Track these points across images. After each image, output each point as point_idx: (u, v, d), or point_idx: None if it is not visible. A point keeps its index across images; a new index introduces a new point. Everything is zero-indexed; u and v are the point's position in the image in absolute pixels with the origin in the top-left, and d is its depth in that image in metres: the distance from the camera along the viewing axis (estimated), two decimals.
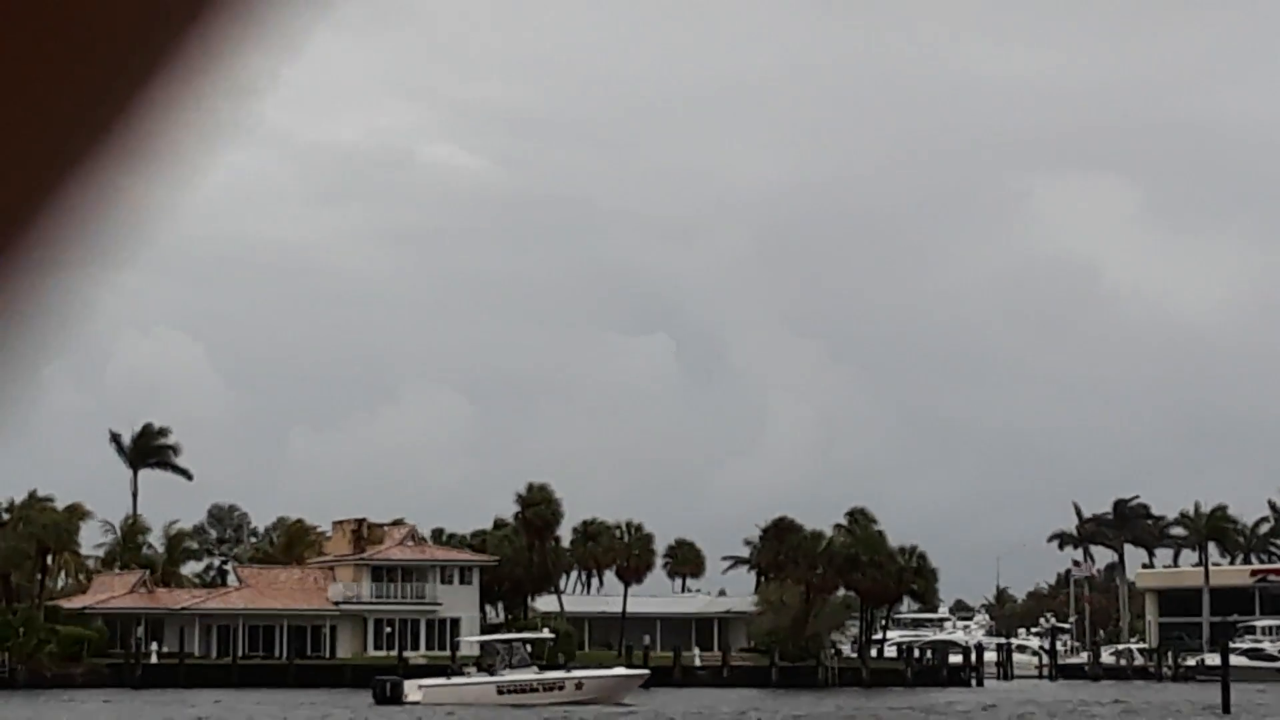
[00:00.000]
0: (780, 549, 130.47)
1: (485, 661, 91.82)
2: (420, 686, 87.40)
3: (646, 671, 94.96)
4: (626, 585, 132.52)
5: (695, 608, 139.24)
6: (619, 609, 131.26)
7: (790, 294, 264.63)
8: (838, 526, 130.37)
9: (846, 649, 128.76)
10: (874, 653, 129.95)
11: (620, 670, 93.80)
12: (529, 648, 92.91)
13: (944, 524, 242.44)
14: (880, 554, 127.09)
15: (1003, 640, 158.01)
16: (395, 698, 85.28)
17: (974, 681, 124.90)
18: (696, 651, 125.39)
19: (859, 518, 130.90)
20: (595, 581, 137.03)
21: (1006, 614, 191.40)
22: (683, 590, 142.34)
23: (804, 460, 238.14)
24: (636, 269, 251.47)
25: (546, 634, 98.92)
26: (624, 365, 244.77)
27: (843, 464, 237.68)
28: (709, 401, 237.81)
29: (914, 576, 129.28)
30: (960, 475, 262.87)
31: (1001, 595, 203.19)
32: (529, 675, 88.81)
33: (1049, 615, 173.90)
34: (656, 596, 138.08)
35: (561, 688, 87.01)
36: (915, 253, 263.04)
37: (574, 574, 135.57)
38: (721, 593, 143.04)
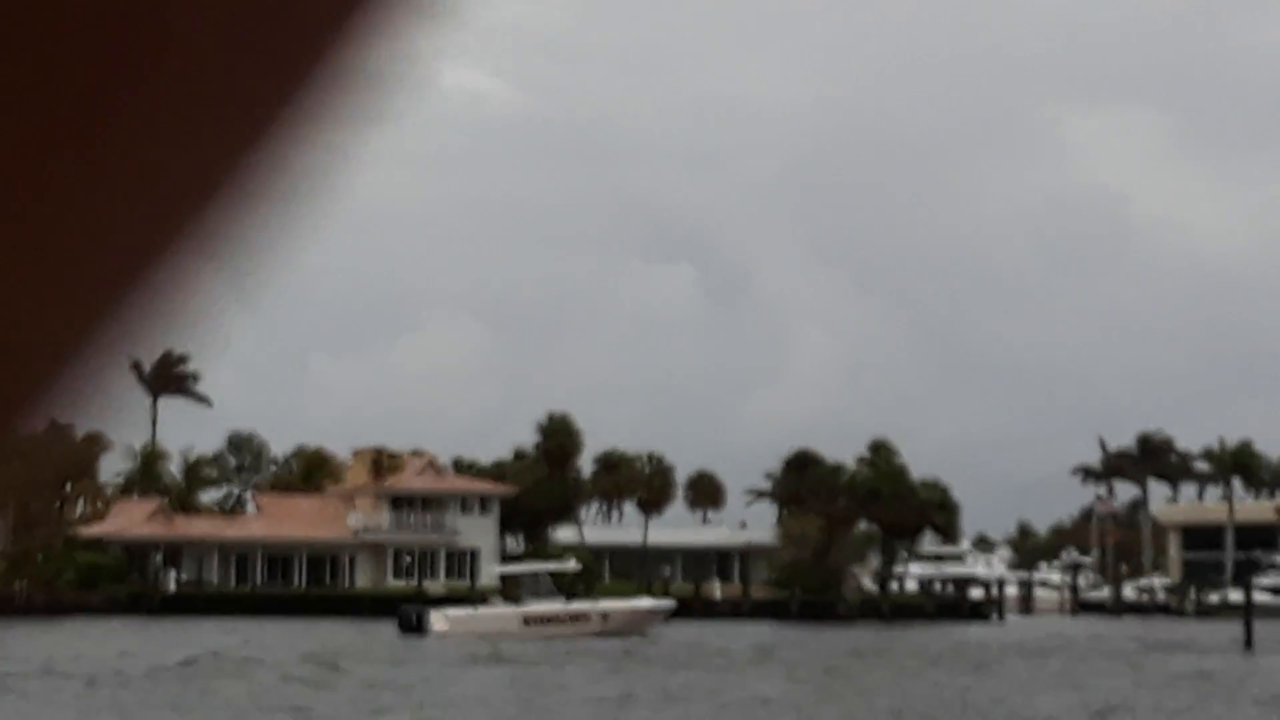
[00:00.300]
0: (801, 481, 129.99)
1: (511, 592, 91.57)
2: (446, 616, 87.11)
3: (672, 603, 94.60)
4: (647, 516, 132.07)
5: (716, 540, 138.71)
6: (639, 540, 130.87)
7: (817, 222, 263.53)
8: (859, 459, 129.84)
9: (867, 582, 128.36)
10: (895, 586, 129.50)
11: (646, 602, 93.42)
12: (554, 579, 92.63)
13: (967, 457, 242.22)
14: (902, 487, 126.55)
15: (1024, 575, 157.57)
16: (421, 627, 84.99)
17: (995, 616, 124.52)
18: (717, 584, 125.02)
19: (881, 450, 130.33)
20: (615, 513, 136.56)
21: (1028, 548, 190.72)
22: (704, 522, 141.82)
23: (829, 391, 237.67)
24: (661, 196, 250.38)
25: (573, 564, 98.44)
26: (647, 294, 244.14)
27: (868, 395, 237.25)
28: (733, 331, 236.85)
29: (936, 510, 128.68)
30: (985, 407, 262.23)
31: (1024, 529, 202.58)
32: (555, 606, 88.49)
33: (1071, 550, 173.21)
34: (677, 528, 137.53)
35: (587, 619, 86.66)
36: (945, 181, 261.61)
37: (594, 505, 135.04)
38: (743, 525, 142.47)
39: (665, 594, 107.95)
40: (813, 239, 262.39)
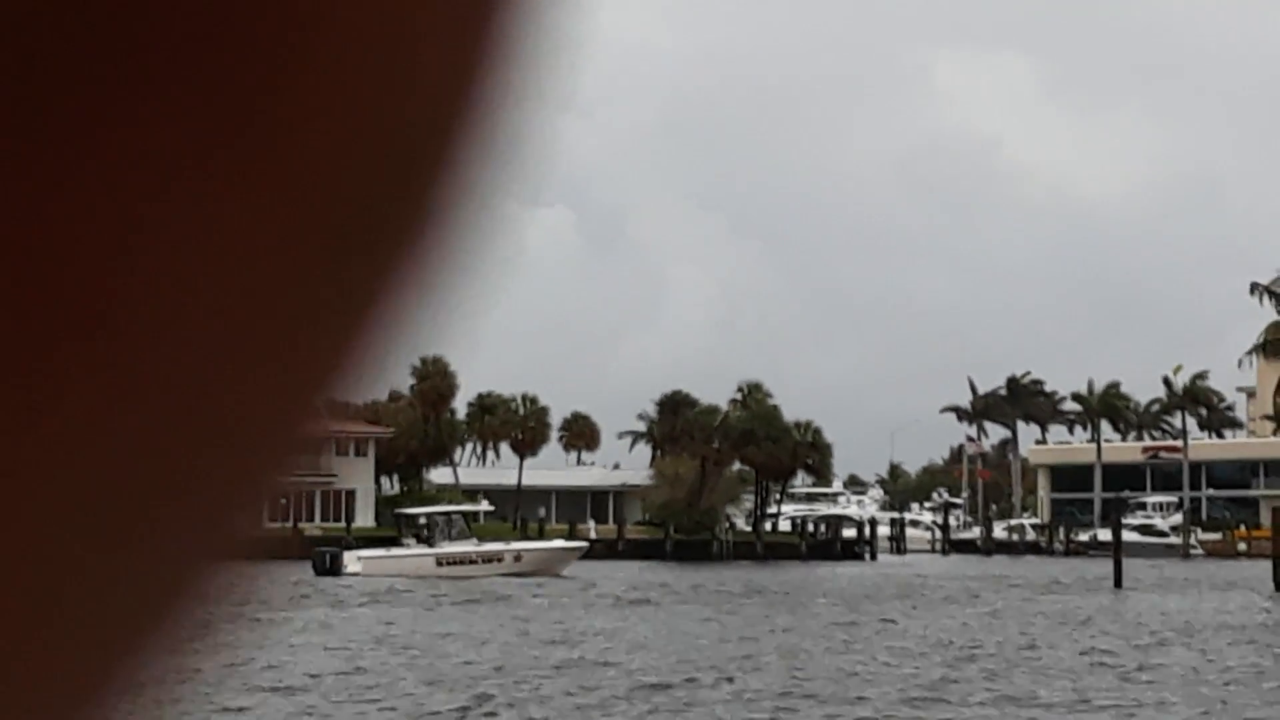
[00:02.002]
0: (676, 423, 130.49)
1: (424, 533, 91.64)
2: (359, 558, 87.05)
3: (585, 544, 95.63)
4: (522, 458, 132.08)
5: (590, 481, 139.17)
6: (514, 482, 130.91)
7: (692, 168, 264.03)
8: (732, 401, 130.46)
9: (741, 523, 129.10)
10: (768, 527, 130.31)
11: (559, 543, 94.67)
12: (467, 520, 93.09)
13: (841, 398, 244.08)
14: (775, 428, 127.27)
15: (896, 515, 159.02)
16: (335, 569, 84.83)
17: (867, 555, 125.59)
18: (591, 524, 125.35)
19: (754, 392, 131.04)
20: (491, 454, 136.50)
21: (900, 489, 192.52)
22: (578, 464, 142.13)
23: (704, 335, 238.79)
24: (536, 139, 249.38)
25: (485, 506, 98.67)
26: (522, 237, 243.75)
27: (742, 338, 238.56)
28: (609, 275, 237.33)
29: (809, 451, 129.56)
30: (858, 350, 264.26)
31: (895, 470, 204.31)
32: (468, 547, 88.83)
33: (942, 490, 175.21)
34: (552, 470, 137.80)
35: (501, 560, 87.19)
36: (818, 127, 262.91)
37: (469, 446, 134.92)
38: (616, 466, 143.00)
39: (540, 533, 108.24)
40: (687, 184, 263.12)
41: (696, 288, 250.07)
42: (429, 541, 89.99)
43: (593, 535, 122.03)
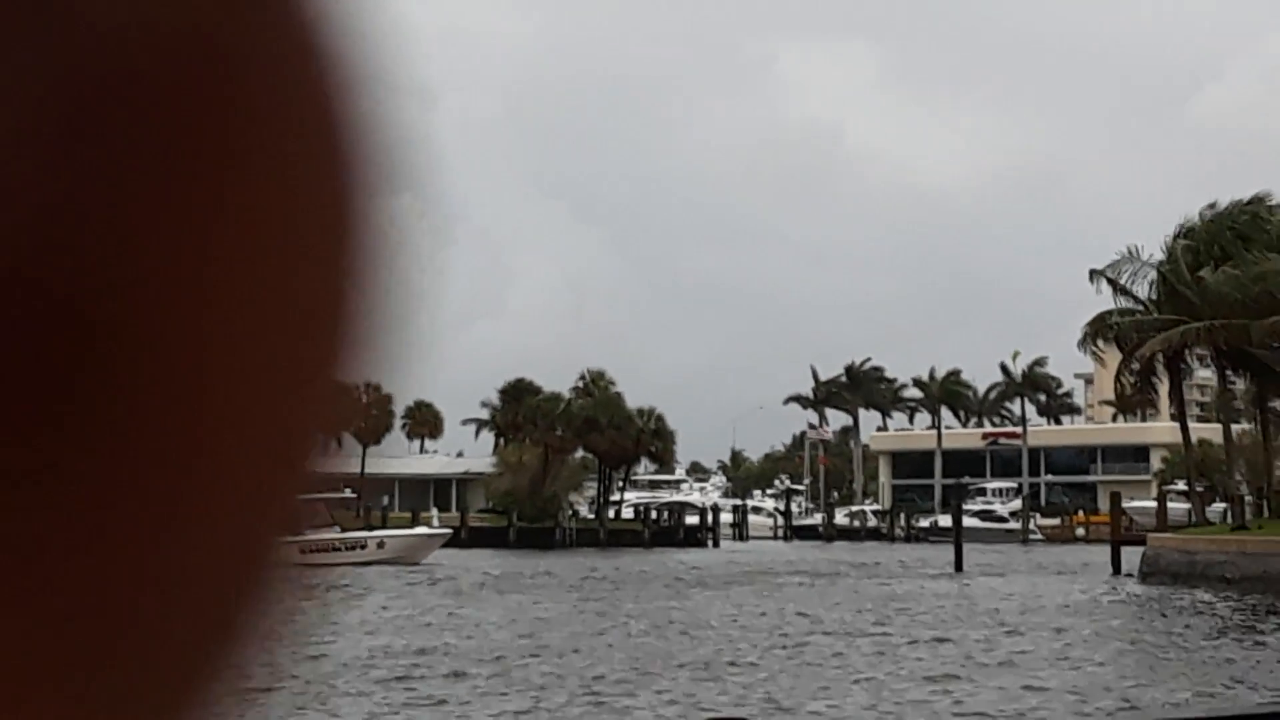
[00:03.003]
0: (519, 411, 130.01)
1: None
2: None
3: (448, 532, 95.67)
4: (365, 446, 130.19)
5: (433, 468, 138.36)
6: (357, 469, 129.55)
7: (537, 156, 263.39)
8: (575, 389, 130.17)
9: (584, 510, 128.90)
10: (611, 514, 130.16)
11: (422, 530, 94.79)
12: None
13: (685, 386, 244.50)
14: (619, 416, 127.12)
15: (738, 502, 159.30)
16: None
17: (710, 542, 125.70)
18: (435, 512, 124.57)
19: (597, 380, 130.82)
20: (335, 442, 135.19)
21: (742, 476, 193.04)
22: (421, 451, 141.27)
23: (550, 322, 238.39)
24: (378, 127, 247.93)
25: (349, 493, 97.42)
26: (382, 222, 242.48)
27: (586, 326, 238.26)
28: (453, 263, 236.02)
29: (652, 438, 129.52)
30: (702, 339, 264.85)
31: (736, 457, 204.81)
32: (331, 534, 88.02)
33: (784, 477, 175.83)
34: (395, 457, 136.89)
35: (364, 546, 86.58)
36: (663, 116, 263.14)
37: None
38: (459, 454, 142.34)
39: (384, 522, 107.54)
40: (532, 172, 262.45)
41: (542, 275, 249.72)
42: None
43: (436, 523, 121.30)
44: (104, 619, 0.50)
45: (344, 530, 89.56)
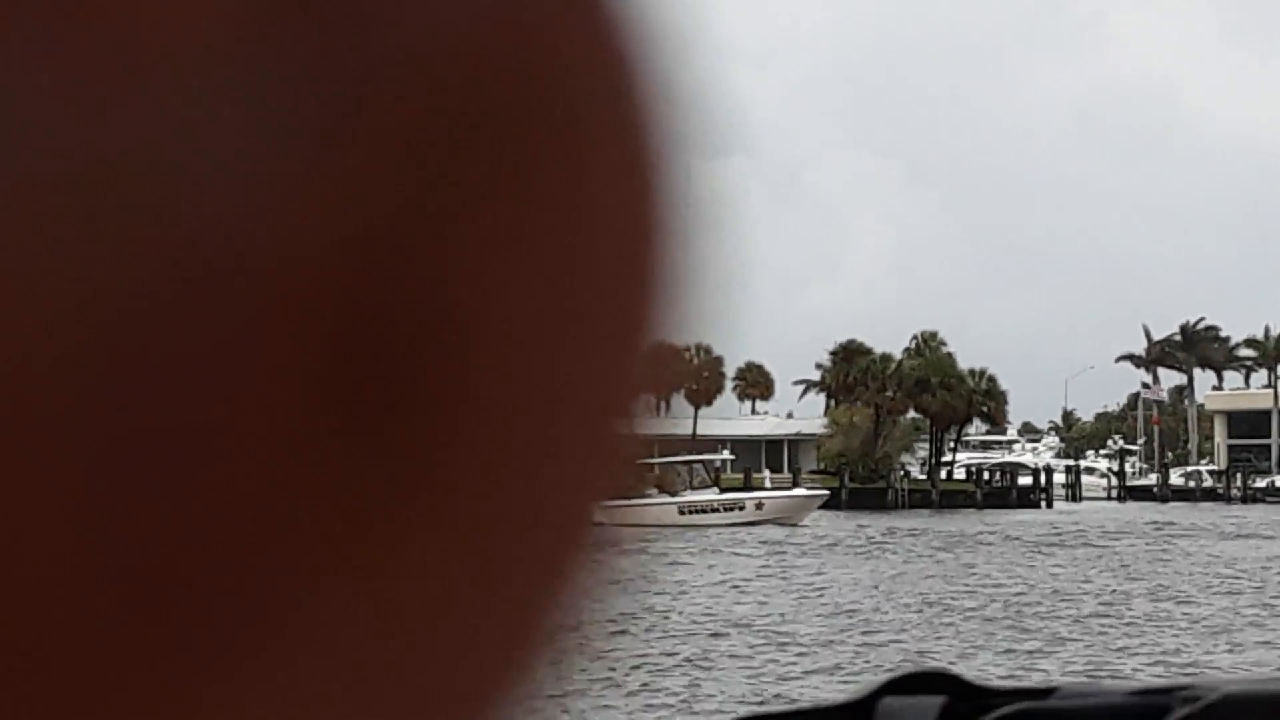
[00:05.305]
0: (850, 371, 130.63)
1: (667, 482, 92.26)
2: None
3: (825, 493, 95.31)
4: (696, 408, 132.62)
5: (765, 430, 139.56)
6: (689, 431, 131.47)
7: (865, 117, 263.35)
8: (906, 350, 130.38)
9: (915, 471, 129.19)
10: (943, 474, 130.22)
11: (799, 491, 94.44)
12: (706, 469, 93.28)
13: (1015, 346, 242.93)
14: (950, 376, 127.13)
15: (1071, 462, 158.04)
16: None
17: (1043, 503, 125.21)
18: (766, 473, 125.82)
19: (929, 341, 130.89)
20: (663, 404, 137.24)
21: (1074, 436, 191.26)
22: (752, 413, 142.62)
23: (880, 283, 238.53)
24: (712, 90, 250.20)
25: (726, 455, 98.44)
26: (702, 187, 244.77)
27: (917, 287, 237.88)
28: (785, 225, 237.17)
29: (984, 398, 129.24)
30: (1033, 297, 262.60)
31: (1068, 417, 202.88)
32: (710, 496, 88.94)
33: (1117, 437, 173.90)
34: (726, 419, 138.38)
35: (742, 508, 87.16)
36: (992, 73, 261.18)
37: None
38: (789, 415, 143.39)
39: (716, 482, 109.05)
40: (861, 133, 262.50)
41: (874, 236, 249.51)
42: (671, 490, 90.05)
43: (768, 484, 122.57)
44: (453, 605, 0.48)
45: (722, 491, 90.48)
